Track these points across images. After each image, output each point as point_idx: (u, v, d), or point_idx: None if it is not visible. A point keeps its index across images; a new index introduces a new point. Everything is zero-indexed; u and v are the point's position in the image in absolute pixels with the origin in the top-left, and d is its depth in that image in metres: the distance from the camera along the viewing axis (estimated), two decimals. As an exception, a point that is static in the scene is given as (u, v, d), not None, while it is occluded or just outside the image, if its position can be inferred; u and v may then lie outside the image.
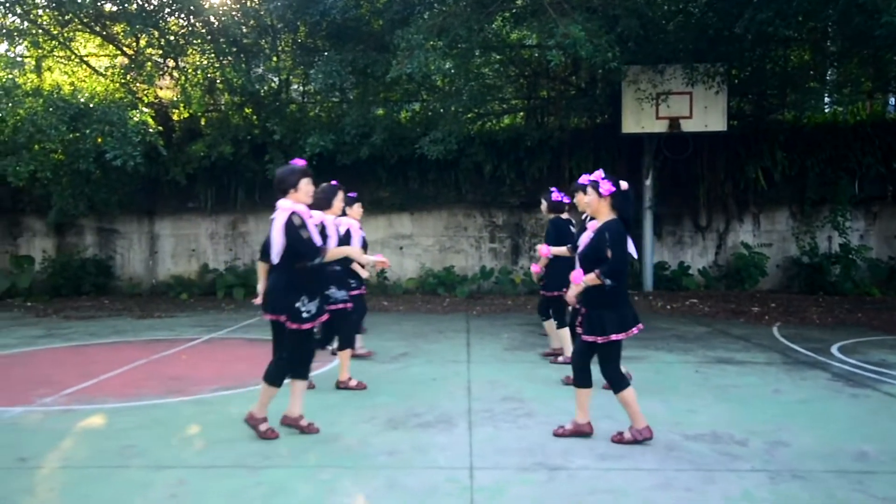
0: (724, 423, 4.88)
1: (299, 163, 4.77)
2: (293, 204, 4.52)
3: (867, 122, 13.34)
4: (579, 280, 4.42)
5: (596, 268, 4.37)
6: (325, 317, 4.71)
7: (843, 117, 13.84)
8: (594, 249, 4.44)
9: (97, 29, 13.21)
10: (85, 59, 14.11)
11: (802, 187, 13.38)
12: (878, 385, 6.03)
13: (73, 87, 12.41)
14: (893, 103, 14.74)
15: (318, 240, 4.55)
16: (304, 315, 4.50)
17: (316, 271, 4.58)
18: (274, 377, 4.60)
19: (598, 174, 4.53)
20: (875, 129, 13.10)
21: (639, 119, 12.12)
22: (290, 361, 4.61)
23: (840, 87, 13.18)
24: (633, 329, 4.43)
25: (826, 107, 14.24)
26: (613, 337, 4.36)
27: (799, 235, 13.47)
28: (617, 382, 4.44)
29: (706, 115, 11.97)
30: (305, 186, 4.62)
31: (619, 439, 4.46)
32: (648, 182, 13.07)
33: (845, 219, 13.00)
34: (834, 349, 7.70)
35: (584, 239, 4.62)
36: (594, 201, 4.49)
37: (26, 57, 13.30)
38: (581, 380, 4.53)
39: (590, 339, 4.42)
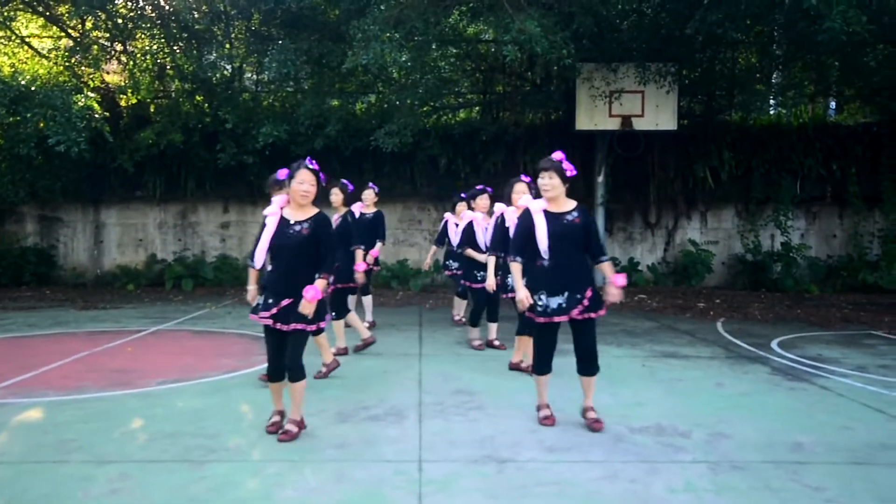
0: (669, 416, 5.00)
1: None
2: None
3: (809, 124, 13.80)
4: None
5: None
6: (574, 312, 4.53)
7: (786, 119, 14.29)
8: None
9: (40, 9, 12.75)
10: (27, 40, 13.60)
11: (748, 187, 13.77)
12: (814, 379, 6.25)
13: (13, 69, 11.96)
14: (834, 107, 15.27)
15: (542, 241, 4.49)
16: (539, 308, 4.54)
17: (553, 268, 4.53)
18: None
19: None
20: (816, 132, 13.55)
21: (592, 116, 12.27)
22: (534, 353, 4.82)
23: (784, 90, 13.59)
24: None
25: (771, 109, 14.66)
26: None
27: (744, 233, 13.86)
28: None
29: (657, 113, 12.20)
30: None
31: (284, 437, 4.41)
32: (601, 179, 13.26)
33: (787, 218, 13.45)
34: (774, 344, 7.95)
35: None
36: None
37: (-37, 36, 12.77)
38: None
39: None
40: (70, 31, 13.07)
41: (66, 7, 11.91)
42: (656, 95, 12.02)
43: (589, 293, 4.53)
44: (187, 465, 3.97)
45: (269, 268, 4.54)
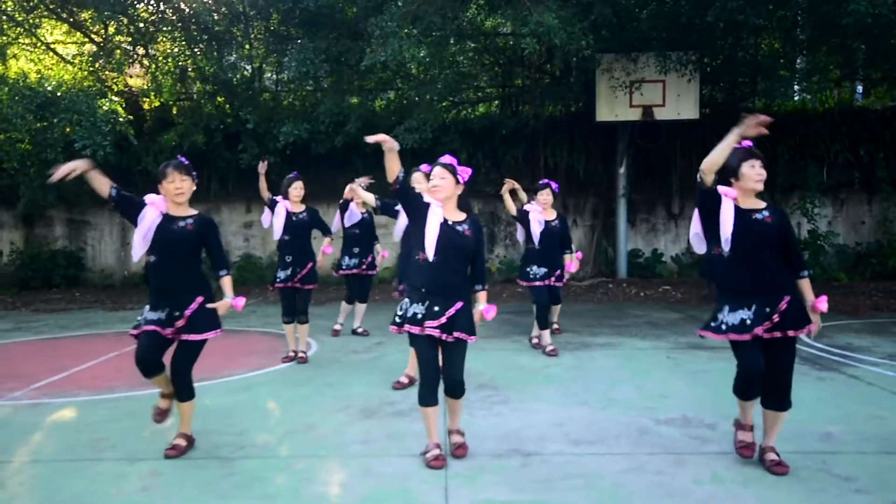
0: (695, 408, 4.96)
1: None
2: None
3: (835, 109, 13.55)
4: None
5: None
6: (759, 330, 3.75)
7: (812, 105, 14.04)
8: None
9: (64, 16, 12.96)
10: (52, 46, 13.84)
11: (773, 174, 13.55)
12: (843, 368, 6.17)
13: (39, 76, 12.17)
14: (861, 91, 14.98)
15: (725, 227, 3.81)
16: (712, 325, 3.84)
17: (737, 270, 3.81)
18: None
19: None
20: (843, 117, 13.30)
21: (612, 107, 12.18)
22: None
23: (809, 76, 13.34)
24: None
25: (795, 95, 14.42)
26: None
27: (769, 222, 13.65)
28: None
29: (679, 103, 12.07)
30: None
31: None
32: (622, 170, 13.16)
33: (814, 205, 13.20)
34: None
35: None
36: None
37: (-10, 44, 12.99)
38: None
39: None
40: (93, 36, 13.27)
41: (90, 13, 12.08)
42: (677, 84, 11.89)
43: (783, 305, 3.76)
44: (216, 461, 4.03)
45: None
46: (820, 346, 7.05)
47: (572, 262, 7.17)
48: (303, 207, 6.72)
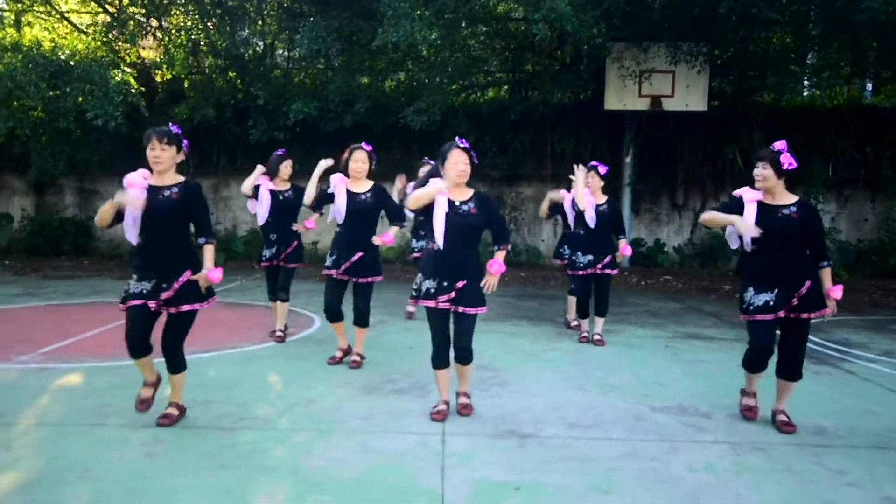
0: (691, 397, 5.03)
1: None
2: None
3: (844, 106, 13.52)
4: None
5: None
6: (781, 312, 4.23)
7: (821, 101, 14.00)
8: None
9: (78, -15, 12.96)
10: (66, 15, 13.84)
11: (779, 169, 13.53)
12: (839, 363, 6.23)
13: (53, 44, 12.18)
14: (870, 89, 14.91)
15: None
16: (743, 305, 4.35)
17: (761, 262, 4.27)
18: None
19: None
20: (851, 114, 13.27)
21: (621, 96, 12.17)
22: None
23: (819, 72, 13.29)
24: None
25: (805, 90, 14.37)
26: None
27: (773, 216, 13.66)
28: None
29: (687, 94, 12.05)
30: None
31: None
32: (628, 159, 13.17)
33: (818, 201, 13.19)
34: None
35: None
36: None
37: (5, 11, 13.03)
38: None
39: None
40: (108, 6, 13.27)
41: (104, -17, 12.09)
42: (687, 76, 11.86)
43: (804, 290, 4.20)
44: (218, 431, 4.12)
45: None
46: (817, 341, 7.11)
47: (626, 246, 6.94)
48: (288, 185, 6.56)
